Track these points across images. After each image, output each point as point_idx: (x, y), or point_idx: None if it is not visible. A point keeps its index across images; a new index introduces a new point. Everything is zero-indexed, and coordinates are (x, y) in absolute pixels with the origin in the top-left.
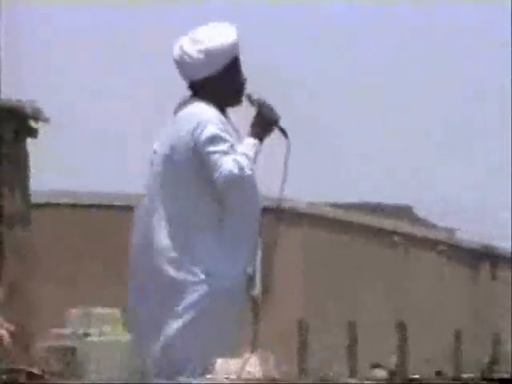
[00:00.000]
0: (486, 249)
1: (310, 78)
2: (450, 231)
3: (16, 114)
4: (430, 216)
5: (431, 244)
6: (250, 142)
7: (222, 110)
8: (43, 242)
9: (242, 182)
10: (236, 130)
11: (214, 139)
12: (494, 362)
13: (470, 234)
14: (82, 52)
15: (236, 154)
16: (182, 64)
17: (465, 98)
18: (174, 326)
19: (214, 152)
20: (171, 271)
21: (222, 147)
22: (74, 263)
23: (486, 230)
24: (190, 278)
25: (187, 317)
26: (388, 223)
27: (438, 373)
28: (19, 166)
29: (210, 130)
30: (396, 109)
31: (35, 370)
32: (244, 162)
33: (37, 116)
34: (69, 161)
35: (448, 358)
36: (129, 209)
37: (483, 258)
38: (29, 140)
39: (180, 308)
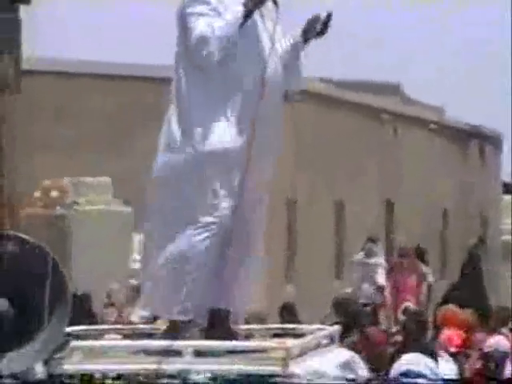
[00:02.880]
0: (474, 129)
1: None
2: (439, 110)
3: None
4: (418, 94)
5: (420, 123)
6: (236, 9)
7: None
8: (34, 109)
9: (211, 43)
10: None
11: (193, 1)
12: (481, 242)
13: (459, 113)
14: None
15: (216, 18)
16: None
17: None
18: None
19: (192, 14)
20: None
21: (200, 9)
22: (63, 132)
23: (475, 109)
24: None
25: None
26: (376, 101)
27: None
28: (11, 31)
29: None
30: None
31: (25, 236)
32: (220, 24)
33: None
34: (60, 29)
35: (436, 237)
36: (115, 78)
37: (472, 137)
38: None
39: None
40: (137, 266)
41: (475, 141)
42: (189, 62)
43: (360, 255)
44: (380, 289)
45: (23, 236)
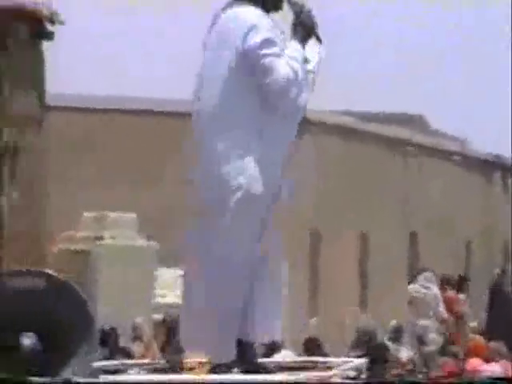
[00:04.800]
0: (497, 159)
1: None
2: (463, 141)
3: (32, 15)
4: (441, 125)
5: (444, 154)
6: (294, 46)
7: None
8: (58, 145)
9: (295, 87)
10: (282, 33)
11: (267, 42)
12: (504, 273)
13: (482, 143)
14: None
15: (287, 58)
16: None
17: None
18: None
19: (268, 55)
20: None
21: (274, 50)
22: (89, 167)
23: (497, 139)
24: (228, 184)
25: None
26: (401, 133)
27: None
28: (34, 67)
29: (263, 34)
30: (406, 20)
31: (52, 272)
32: (296, 66)
33: (53, 18)
34: (81, 65)
35: (459, 267)
36: (141, 113)
37: (495, 167)
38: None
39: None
40: (161, 300)
41: (498, 171)
42: (256, 99)
43: (414, 287)
44: (444, 322)
45: (50, 272)
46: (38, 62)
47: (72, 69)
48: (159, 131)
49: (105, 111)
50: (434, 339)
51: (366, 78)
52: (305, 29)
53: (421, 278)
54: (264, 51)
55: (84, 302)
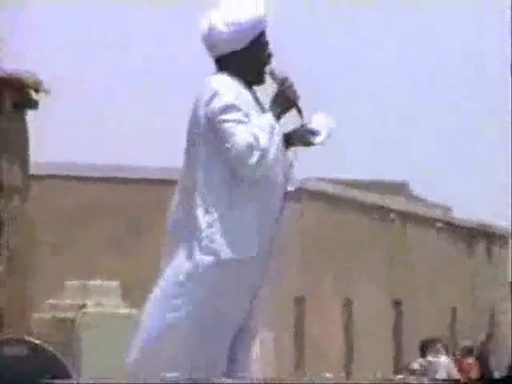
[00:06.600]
0: (481, 227)
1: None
2: (446, 209)
3: (15, 84)
4: (425, 193)
5: (428, 221)
6: (266, 117)
7: (249, 86)
8: (42, 214)
9: (256, 154)
10: (261, 106)
11: (228, 108)
12: (489, 338)
13: (466, 211)
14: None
15: (251, 126)
16: (209, 38)
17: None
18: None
19: (227, 121)
20: (181, 244)
21: (236, 116)
22: (73, 235)
23: (481, 207)
24: (195, 255)
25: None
26: (384, 200)
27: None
28: (18, 137)
29: (224, 99)
30: (388, 87)
31: (36, 341)
32: (259, 133)
33: (37, 87)
34: (65, 133)
35: (444, 334)
36: (125, 181)
37: (479, 235)
38: (29, 112)
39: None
40: None
41: (483, 238)
42: (220, 166)
43: (425, 360)
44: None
45: (34, 340)
46: (22, 130)
47: (60, 136)
48: (147, 198)
49: (92, 179)
50: None
51: (351, 145)
52: (283, 101)
53: (432, 349)
54: (224, 117)
55: (67, 369)
